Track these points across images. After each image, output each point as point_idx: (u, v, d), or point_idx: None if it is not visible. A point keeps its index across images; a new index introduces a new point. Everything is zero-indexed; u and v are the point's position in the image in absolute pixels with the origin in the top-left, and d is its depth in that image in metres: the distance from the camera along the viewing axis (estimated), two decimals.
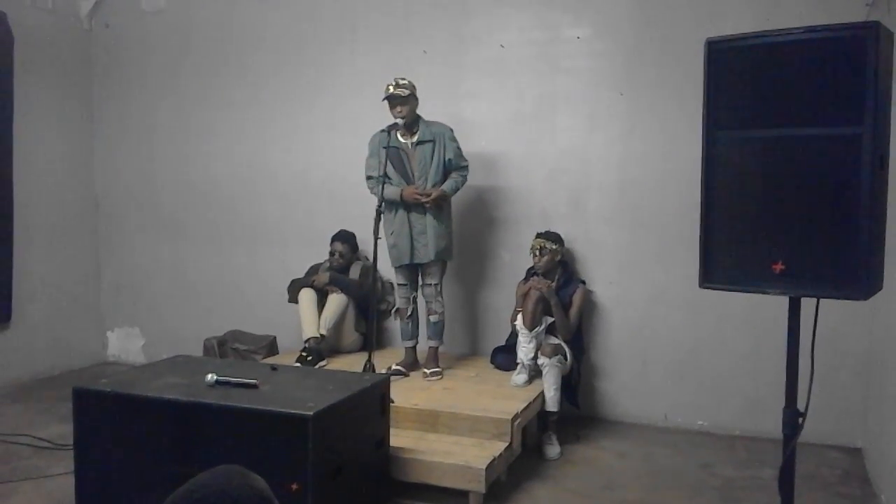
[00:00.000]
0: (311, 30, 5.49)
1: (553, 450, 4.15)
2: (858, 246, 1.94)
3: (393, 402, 3.56)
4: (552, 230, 4.62)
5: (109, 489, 3.05)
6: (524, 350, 4.31)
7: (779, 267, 2.05)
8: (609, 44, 4.74)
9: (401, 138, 4.41)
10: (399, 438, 3.60)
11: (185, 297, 6.03)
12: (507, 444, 3.68)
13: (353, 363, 4.51)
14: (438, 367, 4.53)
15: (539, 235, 4.58)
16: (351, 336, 5.06)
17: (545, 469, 3.98)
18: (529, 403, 4.02)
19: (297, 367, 4.35)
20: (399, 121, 4.31)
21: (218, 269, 5.90)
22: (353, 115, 5.30)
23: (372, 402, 3.26)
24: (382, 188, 4.25)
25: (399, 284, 4.58)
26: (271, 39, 5.61)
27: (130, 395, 3.05)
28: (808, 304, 2.12)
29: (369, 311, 4.51)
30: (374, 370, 4.05)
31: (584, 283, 4.66)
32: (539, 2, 4.88)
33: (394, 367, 4.48)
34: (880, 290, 2.05)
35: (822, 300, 2.10)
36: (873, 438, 3.93)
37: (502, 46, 4.97)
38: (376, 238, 4.17)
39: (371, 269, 4.35)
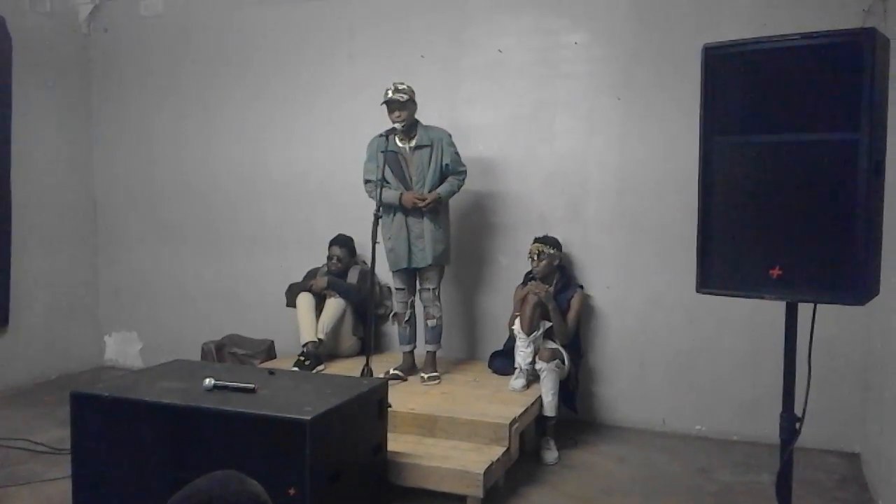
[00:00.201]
0: (309, 34, 5.50)
1: (551, 455, 4.15)
2: (855, 251, 1.95)
3: (391, 406, 3.56)
4: (550, 235, 4.63)
5: (107, 493, 3.04)
6: (522, 355, 4.31)
7: (776, 272, 2.06)
8: (607, 49, 4.75)
9: (399, 143, 4.41)
10: (397, 443, 3.60)
11: (182, 301, 6.02)
12: (504, 448, 3.67)
13: (350, 367, 4.50)
14: (436, 371, 4.53)
15: (537, 240, 4.58)
16: (349, 340, 5.06)
17: (543, 474, 3.98)
18: (527, 408, 4.02)
19: (295, 371, 4.36)
20: (397, 125, 4.32)
21: (216, 273, 5.90)
22: (351, 120, 5.30)
23: (370, 407, 3.26)
24: (380, 192, 4.26)
25: (397, 289, 4.58)
26: (270, 44, 5.62)
27: (128, 399, 3.05)
28: (805, 309, 2.13)
29: (367, 315, 4.52)
30: (371, 374, 4.05)
31: (581, 287, 4.66)
32: (537, 7, 4.90)
33: (391, 371, 4.48)
34: (877, 295, 2.06)
35: (819, 305, 2.10)
36: (871, 443, 3.94)
37: (500, 51, 4.98)
38: (374, 242, 4.18)
39: (369, 274, 4.36)
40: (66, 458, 3.35)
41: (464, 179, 4.49)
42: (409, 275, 4.53)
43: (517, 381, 4.29)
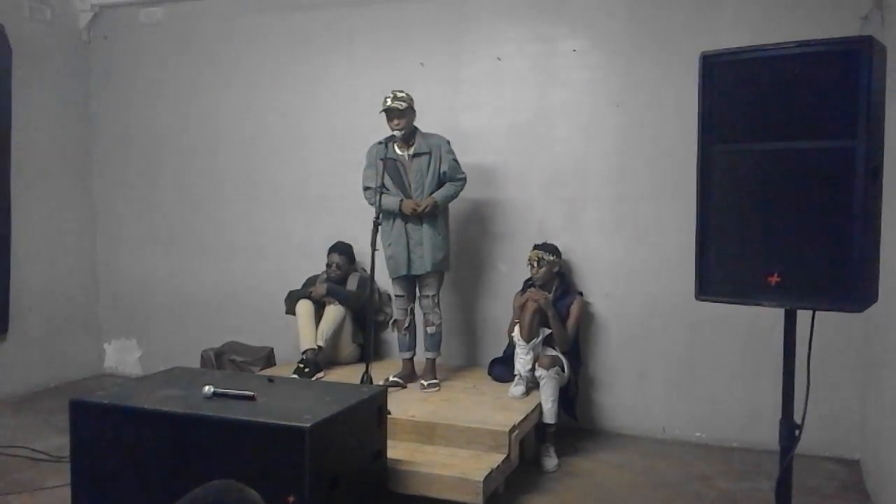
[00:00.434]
0: (308, 42, 5.52)
1: (551, 462, 4.14)
2: (853, 258, 1.95)
3: (390, 413, 3.56)
4: (549, 242, 4.63)
5: (106, 501, 3.03)
6: (522, 362, 4.31)
7: (774, 279, 2.06)
8: (605, 56, 4.77)
9: (398, 150, 4.43)
10: (396, 450, 3.59)
11: (182, 308, 6.02)
12: (504, 456, 3.67)
13: (350, 375, 4.50)
14: (436, 378, 4.53)
15: (536, 247, 4.59)
16: (348, 347, 5.06)
17: (543, 481, 3.97)
18: (527, 415, 4.01)
19: (295, 378, 4.36)
20: (396, 133, 4.34)
21: (215, 280, 5.90)
22: (350, 127, 5.31)
23: (369, 414, 3.26)
24: (380, 199, 4.27)
25: (396, 296, 4.58)
26: (269, 52, 5.64)
27: (127, 406, 3.05)
28: (804, 316, 2.13)
29: (367, 322, 4.52)
30: (371, 382, 4.05)
31: (581, 294, 4.67)
32: (535, 15, 4.92)
33: (391, 378, 4.48)
34: (875, 301, 2.06)
35: (818, 312, 2.11)
36: (871, 450, 3.94)
37: (499, 59, 5.00)
38: (374, 249, 4.18)
39: (368, 281, 4.36)
40: (65, 465, 3.35)
41: (462, 186, 4.50)
42: (409, 281, 4.53)
43: (517, 388, 4.29)
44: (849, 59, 1.94)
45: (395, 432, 3.67)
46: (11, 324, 5.51)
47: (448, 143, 4.47)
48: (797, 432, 2.21)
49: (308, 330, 4.85)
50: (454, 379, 4.73)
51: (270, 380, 3.51)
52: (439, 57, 5.15)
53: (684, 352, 4.65)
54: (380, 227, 4.27)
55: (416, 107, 4.41)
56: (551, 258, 4.54)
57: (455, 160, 4.46)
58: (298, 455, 2.73)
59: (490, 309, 5.09)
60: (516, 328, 4.38)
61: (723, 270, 2.17)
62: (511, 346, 4.51)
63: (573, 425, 4.62)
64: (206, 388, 3.09)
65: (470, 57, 5.08)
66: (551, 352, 4.35)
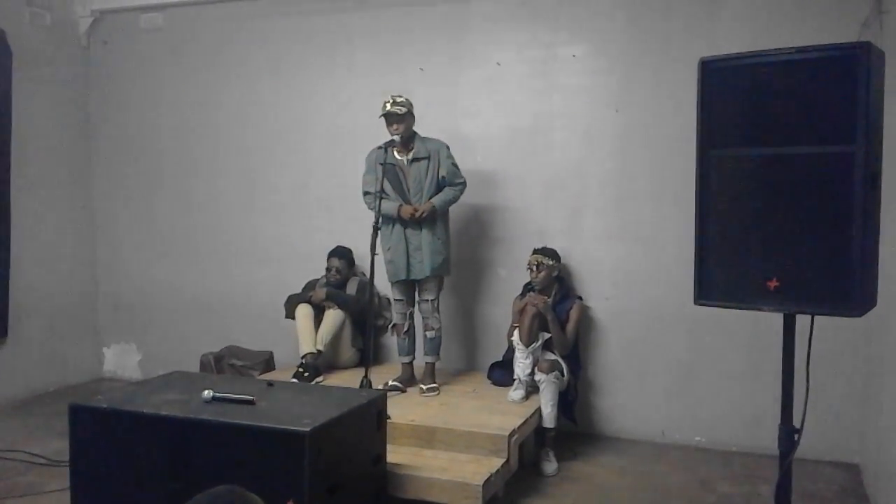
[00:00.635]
0: (308, 47, 5.53)
1: (550, 466, 4.14)
2: (852, 263, 1.96)
3: (390, 418, 3.56)
4: (549, 246, 4.64)
5: None
6: (521, 366, 4.31)
7: (773, 284, 2.07)
8: (604, 62, 4.78)
9: (397, 155, 4.43)
10: (396, 454, 3.59)
11: (181, 313, 6.02)
12: (504, 460, 3.67)
13: (349, 379, 4.50)
14: (435, 382, 4.53)
15: (536, 251, 4.59)
16: (348, 352, 5.06)
17: (542, 486, 3.97)
18: (526, 419, 4.01)
19: (294, 383, 4.35)
20: (395, 137, 4.34)
21: (215, 285, 5.90)
22: (350, 132, 5.32)
23: (369, 419, 3.26)
24: (379, 204, 4.27)
25: (395, 300, 4.58)
26: (269, 57, 5.65)
27: (127, 411, 3.05)
28: (803, 321, 2.14)
29: (366, 326, 4.52)
30: (370, 386, 4.05)
31: (580, 298, 4.67)
32: (535, 20, 4.93)
33: (390, 382, 4.48)
34: (874, 306, 2.07)
35: (817, 317, 2.11)
36: (870, 454, 3.94)
37: (499, 64, 5.01)
38: (373, 254, 4.19)
39: (368, 285, 4.37)
40: (64, 470, 3.34)
41: (462, 190, 4.50)
42: (408, 286, 4.54)
43: (516, 393, 4.29)
44: (847, 65, 1.95)
45: (394, 436, 3.68)
46: (11, 328, 5.51)
47: (447, 147, 4.47)
48: (796, 436, 2.22)
49: (307, 334, 4.84)
50: (454, 383, 4.73)
51: (270, 384, 3.51)
52: (439, 62, 5.16)
53: (683, 356, 4.65)
54: (379, 232, 4.27)
55: (415, 112, 4.42)
56: (551, 262, 4.54)
57: (454, 165, 4.47)
58: (298, 459, 2.73)
59: (489, 313, 5.09)
60: (516, 332, 4.38)
61: (722, 275, 2.18)
62: (510, 351, 4.51)
63: (573, 429, 4.62)
64: (206, 392, 3.10)
65: (470, 62, 5.09)
66: (551, 356, 4.35)
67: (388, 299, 4.98)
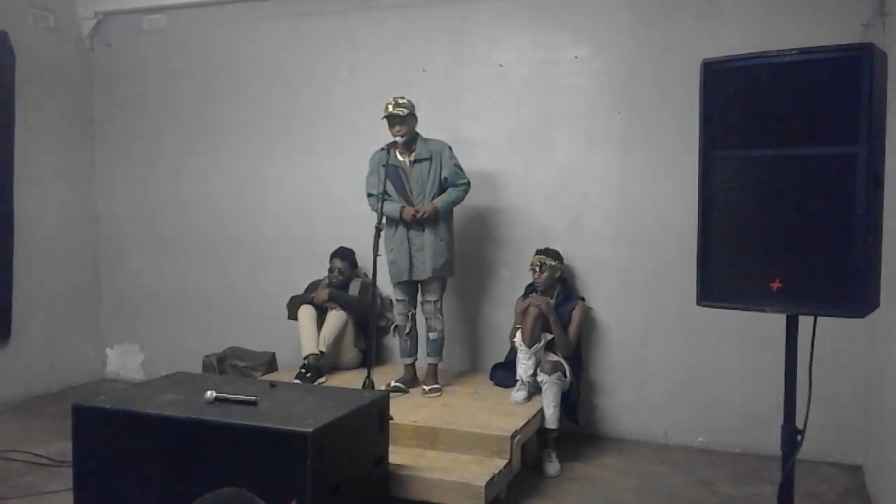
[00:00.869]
0: (311, 49, 5.53)
1: (553, 467, 4.14)
2: (855, 264, 1.96)
3: (392, 418, 3.56)
4: (551, 247, 4.64)
5: None
6: (523, 367, 4.31)
7: (776, 285, 2.07)
8: (607, 63, 4.78)
9: (399, 156, 4.44)
10: (398, 455, 3.60)
11: (184, 313, 6.03)
12: (506, 461, 3.67)
13: (352, 380, 4.50)
14: (437, 383, 4.53)
15: (539, 252, 4.59)
16: (350, 353, 5.07)
17: (545, 486, 3.97)
18: (529, 420, 4.01)
19: (297, 383, 4.36)
20: (398, 139, 4.35)
21: (217, 286, 5.91)
22: (352, 133, 5.33)
23: (371, 419, 3.26)
24: (381, 206, 4.28)
25: (397, 300, 4.58)
26: (271, 59, 5.66)
27: (129, 411, 3.05)
28: (805, 322, 2.14)
29: (368, 327, 4.52)
30: (373, 387, 4.05)
31: (583, 299, 4.67)
32: (537, 21, 4.93)
33: (393, 383, 4.48)
34: (877, 307, 2.07)
35: (820, 318, 2.11)
36: (874, 455, 3.93)
37: (501, 66, 5.01)
38: (375, 255, 4.19)
39: (370, 286, 4.37)
40: (67, 470, 3.35)
41: (465, 191, 4.50)
42: (411, 287, 4.54)
43: (519, 394, 4.29)
44: (850, 66, 1.95)
45: (396, 437, 3.68)
46: (14, 328, 5.52)
47: (449, 148, 4.48)
48: (799, 437, 2.22)
49: (310, 335, 4.85)
50: (456, 384, 4.73)
51: (272, 385, 3.51)
52: (441, 63, 5.16)
53: (686, 357, 4.65)
54: (382, 233, 4.28)
55: (417, 113, 4.43)
56: (553, 263, 4.54)
57: (456, 165, 4.47)
58: (300, 460, 2.73)
59: (492, 314, 5.09)
60: (518, 333, 4.38)
61: (724, 276, 2.18)
62: (513, 352, 4.51)
63: (575, 430, 4.62)
64: (209, 392, 3.10)
65: (472, 63, 5.09)
66: (553, 357, 4.36)
67: (391, 300, 4.98)
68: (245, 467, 2.82)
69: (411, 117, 4.38)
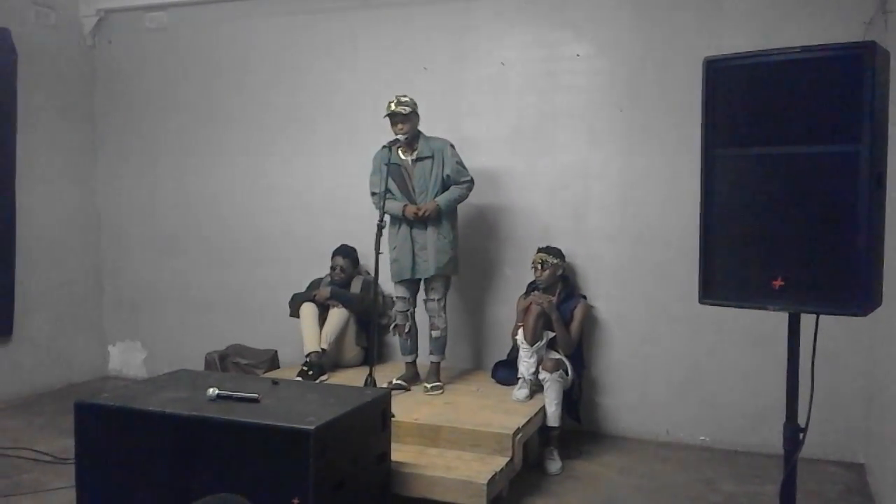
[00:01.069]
0: (312, 47, 5.53)
1: (554, 465, 4.14)
2: (857, 262, 1.96)
3: (394, 416, 3.56)
4: (553, 245, 4.64)
5: (110, 503, 3.04)
6: (525, 365, 4.31)
7: (778, 283, 2.07)
8: (609, 61, 4.77)
9: (401, 155, 4.44)
10: (400, 453, 3.60)
11: (186, 311, 6.04)
12: (508, 458, 3.67)
13: (354, 377, 4.51)
14: (439, 381, 4.54)
15: (541, 250, 4.59)
16: (352, 350, 5.07)
17: (547, 484, 3.98)
18: (531, 418, 4.02)
19: (299, 381, 4.36)
20: (400, 137, 4.35)
21: (219, 283, 5.91)
22: (354, 131, 5.33)
23: (373, 417, 3.26)
24: (383, 204, 4.28)
25: (398, 297, 4.58)
26: (273, 56, 5.66)
27: (132, 408, 3.06)
28: (808, 320, 2.14)
29: (370, 325, 4.52)
30: (375, 384, 4.06)
31: (585, 297, 4.67)
32: (539, 19, 4.93)
33: (394, 381, 4.49)
34: (879, 305, 2.06)
35: (822, 316, 2.11)
36: (876, 453, 3.93)
37: (503, 64, 5.01)
38: (377, 253, 4.19)
39: (372, 284, 4.37)
40: (69, 467, 3.35)
41: (469, 188, 4.50)
42: (412, 285, 4.54)
43: (520, 392, 4.30)
44: (852, 64, 1.95)
45: (399, 435, 3.69)
46: (16, 326, 5.53)
47: (451, 146, 4.48)
48: (801, 436, 2.21)
49: (312, 333, 4.86)
50: (458, 382, 4.74)
51: (275, 382, 3.51)
52: (443, 61, 5.16)
53: (688, 355, 4.64)
54: (384, 231, 4.28)
55: (419, 111, 4.43)
56: (555, 261, 4.54)
57: (459, 163, 4.47)
58: (303, 457, 2.73)
59: (494, 312, 5.09)
60: (520, 331, 4.38)
61: (726, 274, 2.18)
62: (515, 350, 4.51)
63: (577, 428, 4.62)
64: (211, 390, 3.10)
65: (474, 61, 5.09)
66: (555, 355, 4.35)
67: (393, 298, 4.98)
68: (247, 465, 2.82)
69: (414, 116, 4.38)
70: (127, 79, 6.14)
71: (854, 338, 4.17)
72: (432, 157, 4.42)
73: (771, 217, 2.08)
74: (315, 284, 5.17)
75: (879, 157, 1.99)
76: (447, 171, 4.42)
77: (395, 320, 4.65)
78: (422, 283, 4.54)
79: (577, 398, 4.51)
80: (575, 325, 4.50)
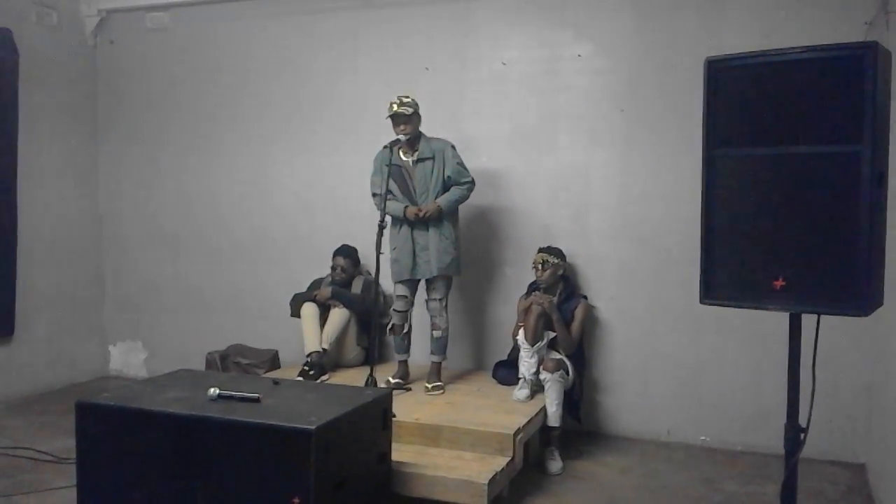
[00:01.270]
0: (314, 47, 5.53)
1: (555, 465, 4.14)
2: (858, 262, 1.96)
3: (395, 416, 3.56)
4: (554, 245, 4.64)
5: (111, 503, 3.04)
6: (526, 365, 4.31)
7: (779, 283, 2.07)
8: (610, 61, 4.77)
9: (402, 156, 4.45)
10: (401, 453, 3.60)
11: (187, 311, 6.04)
12: (509, 458, 3.68)
13: (355, 377, 4.51)
14: (440, 381, 4.54)
15: (541, 250, 4.59)
16: (353, 350, 5.07)
17: (547, 484, 3.98)
18: (531, 418, 4.02)
19: (300, 381, 4.36)
20: (401, 137, 4.36)
21: (220, 283, 5.92)
22: (355, 131, 5.33)
23: (374, 417, 3.26)
24: (384, 205, 4.28)
25: (398, 296, 4.58)
26: (275, 56, 5.66)
27: (133, 408, 3.05)
28: (809, 320, 2.14)
29: (371, 325, 4.53)
30: (376, 384, 4.06)
31: (585, 297, 4.67)
32: (540, 20, 4.93)
33: (391, 381, 4.49)
34: (881, 306, 2.06)
35: (823, 316, 2.11)
36: (876, 454, 3.93)
37: (504, 64, 5.01)
38: (378, 253, 4.19)
39: (373, 284, 4.37)
40: (70, 467, 3.35)
41: (470, 189, 4.50)
42: (412, 285, 4.54)
43: (521, 392, 4.30)
44: (854, 65, 1.95)
45: (399, 435, 3.68)
46: (17, 326, 5.53)
47: (452, 147, 4.48)
48: (802, 436, 2.21)
49: (313, 333, 4.86)
50: (459, 382, 4.74)
51: (275, 382, 3.51)
52: (444, 61, 5.16)
53: (689, 355, 4.64)
54: (385, 231, 4.28)
55: (421, 111, 4.43)
56: (556, 261, 4.55)
57: (459, 164, 4.47)
58: (304, 457, 2.73)
59: (495, 312, 5.09)
60: (521, 331, 4.38)
61: (727, 274, 2.18)
62: (515, 350, 4.51)
63: (577, 428, 4.63)
64: (212, 390, 3.10)
65: (475, 62, 5.09)
66: (556, 355, 4.36)
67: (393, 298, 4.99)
68: (248, 464, 2.82)
69: (416, 116, 4.38)
70: (128, 79, 6.14)
71: (855, 338, 4.17)
72: (433, 157, 4.42)
73: (772, 217, 2.08)
74: (316, 284, 5.17)
75: (881, 157, 1.99)
76: (448, 172, 4.43)
77: (392, 320, 4.65)
78: (423, 283, 4.54)
79: (578, 398, 4.51)
80: (576, 326, 4.50)
